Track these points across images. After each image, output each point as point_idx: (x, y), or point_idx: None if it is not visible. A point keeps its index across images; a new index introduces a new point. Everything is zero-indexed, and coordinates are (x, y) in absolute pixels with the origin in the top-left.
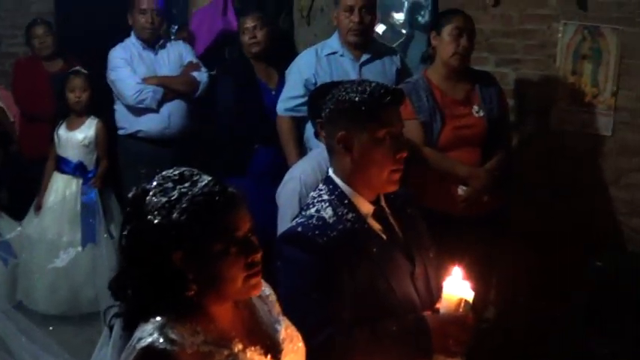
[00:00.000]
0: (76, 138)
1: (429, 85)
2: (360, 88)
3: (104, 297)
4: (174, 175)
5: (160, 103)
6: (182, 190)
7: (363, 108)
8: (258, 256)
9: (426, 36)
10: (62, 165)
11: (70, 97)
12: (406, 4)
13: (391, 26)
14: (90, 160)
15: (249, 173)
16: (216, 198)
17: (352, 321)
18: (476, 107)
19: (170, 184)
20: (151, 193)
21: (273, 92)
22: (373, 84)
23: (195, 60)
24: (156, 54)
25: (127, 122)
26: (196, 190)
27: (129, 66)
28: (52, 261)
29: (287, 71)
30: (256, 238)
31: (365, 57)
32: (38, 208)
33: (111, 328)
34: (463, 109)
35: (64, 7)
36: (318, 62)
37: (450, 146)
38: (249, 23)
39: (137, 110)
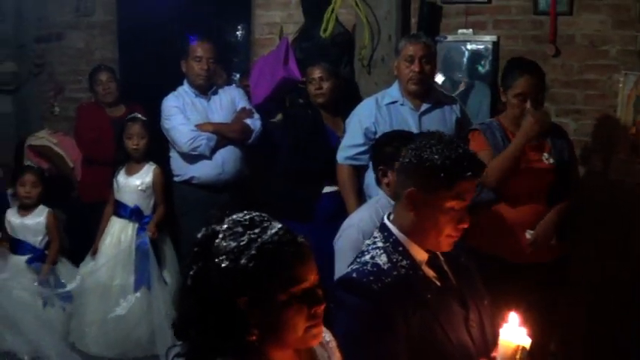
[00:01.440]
0: (134, 183)
1: (503, 129)
2: (445, 152)
3: (159, 341)
4: (245, 219)
5: (214, 150)
6: (252, 236)
7: (442, 175)
8: (322, 307)
9: (487, 85)
10: (120, 209)
11: (128, 144)
12: (466, 53)
13: (451, 76)
14: (147, 205)
15: (316, 218)
16: (285, 248)
17: None
18: (546, 155)
19: (240, 229)
20: (220, 236)
21: (341, 139)
22: (460, 150)
23: (248, 106)
24: (209, 101)
25: (181, 169)
26: (266, 237)
27: (182, 114)
28: (105, 304)
29: (347, 120)
30: (321, 289)
31: (425, 106)
32: (95, 252)
33: None
34: (534, 154)
35: (128, 54)
36: (378, 111)
37: (520, 189)
38: (316, 74)
39: (191, 157)
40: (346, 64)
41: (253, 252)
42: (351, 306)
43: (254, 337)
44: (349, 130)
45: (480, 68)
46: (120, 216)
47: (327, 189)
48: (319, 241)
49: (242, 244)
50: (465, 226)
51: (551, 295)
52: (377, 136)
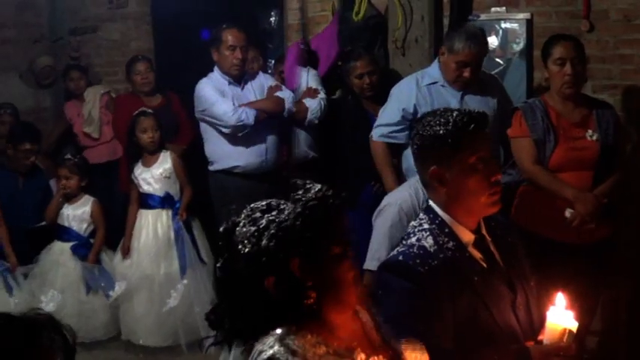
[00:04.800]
0: (157, 172)
1: (545, 107)
2: (442, 120)
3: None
4: (262, 205)
5: (258, 133)
6: (270, 218)
7: (450, 140)
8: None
9: (522, 63)
10: (148, 201)
11: (142, 138)
12: (501, 32)
13: (488, 55)
14: (175, 190)
15: (359, 207)
16: (328, 204)
17: (454, 350)
18: (590, 131)
19: (258, 214)
20: (240, 225)
21: None
22: (455, 112)
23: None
24: (242, 89)
25: (221, 157)
26: (283, 216)
27: (221, 95)
28: (154, 295)
29: (389, 97)
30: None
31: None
32: (126, 252)
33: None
34: (578, 131)
35: (163, 43)
36: (418, 91)
37: (562, 167)
38: (365, 68)
39: (233, 144)
40: (380, 47)
41: (272, 231)
42: (396, 289)
43: (311, 300)
44: (387, 108)
45: (515, 46)
46: (150, 207)
47: None
48: (363, 229)
49: (261, 226)
50: (499, 176)
51: (596, 274)
52: (417, 116)
